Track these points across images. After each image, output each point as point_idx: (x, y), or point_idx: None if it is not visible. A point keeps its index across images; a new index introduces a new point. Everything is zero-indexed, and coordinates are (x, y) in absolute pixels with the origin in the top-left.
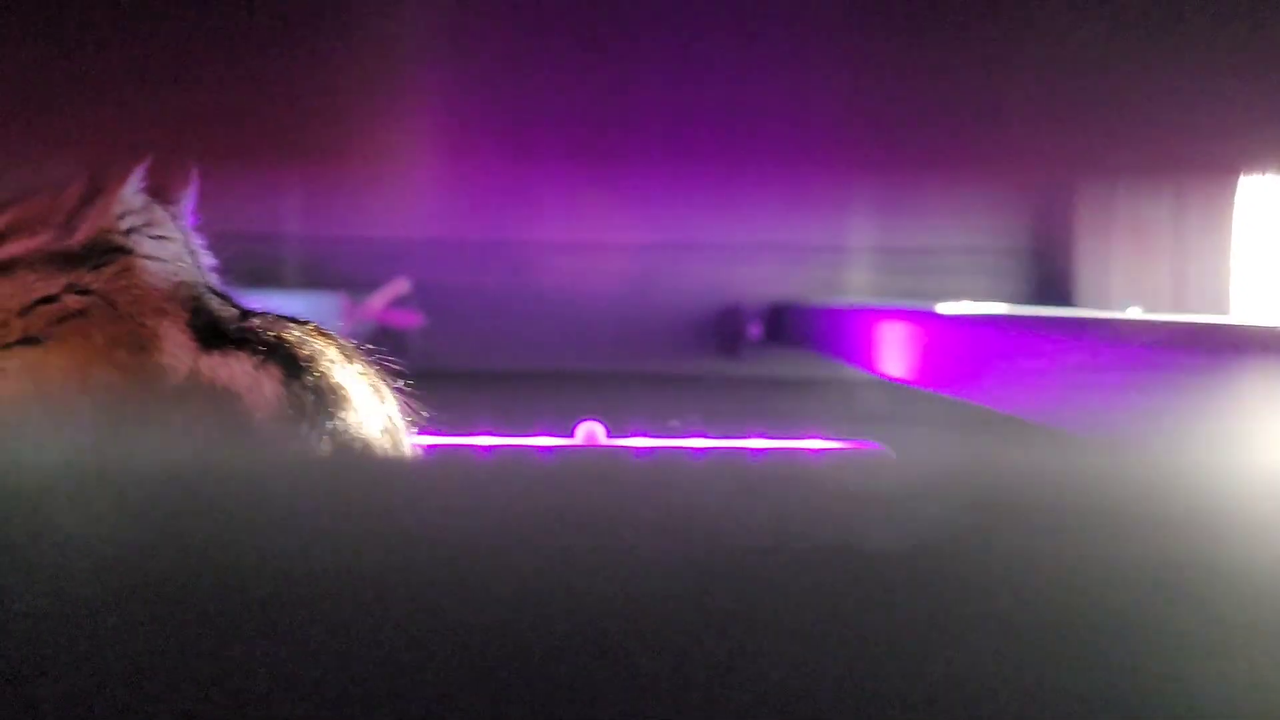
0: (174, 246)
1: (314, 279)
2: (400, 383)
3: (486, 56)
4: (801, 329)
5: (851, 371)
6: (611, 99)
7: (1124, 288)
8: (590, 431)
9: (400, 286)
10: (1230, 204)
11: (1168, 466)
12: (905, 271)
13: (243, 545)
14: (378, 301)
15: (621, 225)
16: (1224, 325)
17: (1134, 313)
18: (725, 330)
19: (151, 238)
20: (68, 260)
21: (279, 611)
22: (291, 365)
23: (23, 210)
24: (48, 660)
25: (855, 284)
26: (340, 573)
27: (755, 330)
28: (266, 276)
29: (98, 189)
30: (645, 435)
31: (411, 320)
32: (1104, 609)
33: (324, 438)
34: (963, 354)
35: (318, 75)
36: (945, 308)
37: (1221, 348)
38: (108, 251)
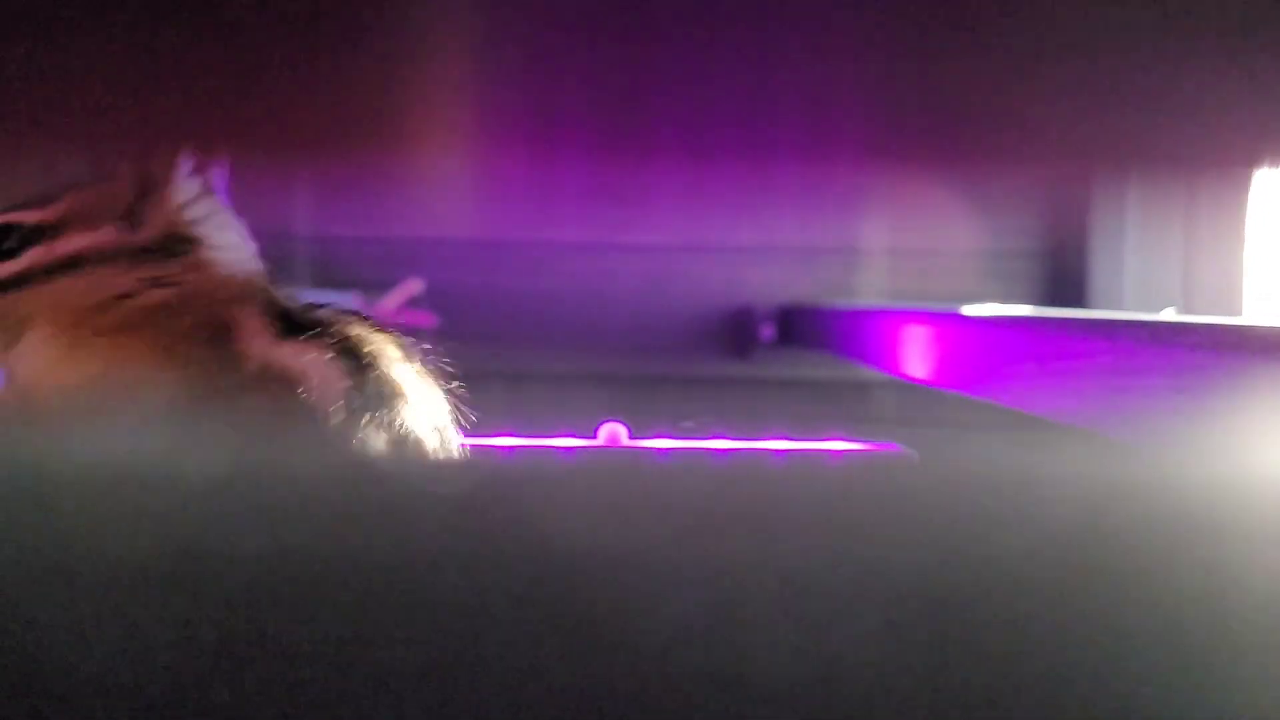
0: (233, 235)
1: (327, 278)
2: (451, 383)
3: (501, 56)
4: (817, 330)
5: (865, 373)
6: (626, 100)
7: (1137, 289)
8: (613, 433)
9: (413, 287)
10: (1243, 204)
11: (1208, 472)
12: (916, 273)
13: (305, 540)
14: (390, 302)
15: (632, 226)
16: (1268, 328)
17: (1169, 314)
18: (737, 332)
19: (215, 228)
20: (139, 254)
21: (341, 602)
22: (358, 360)
23: (75, 202)
24: (139, 645)
25: (866, 285)
26: (394, 568)
27: (768, 332)
28: (279, 275)
29: (153, 180)
30: (666, 437)
31: (424, 321)
32: (1137, 619)
33: (385, 435)
34: (994, 356)
35: (330, 73)
36: (971, 309)
37: (1267, 351)
38: (179, 242)
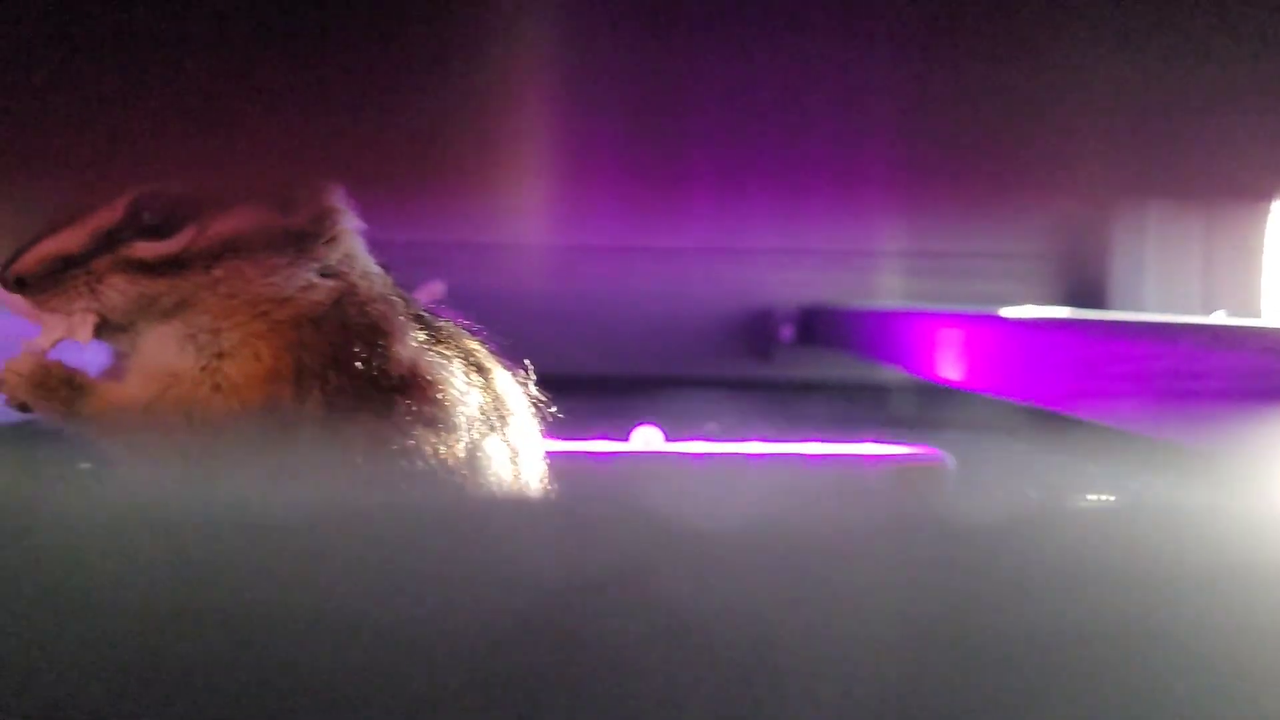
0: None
1: None
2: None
3: (534, 62)
4: (841, 332)
5: (886, 375)
6: (655, 106)
7: (1156, 293)
8: (647, 437)
9: (435, 290)
10: (1264, 212)
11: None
12: (934, 275)
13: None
14: None
15: (651, 230)
16: None
17: (1220, 318)
18: (757, 333)
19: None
20: (295, 238)
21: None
22: (481, 373)
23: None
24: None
25: (884, 287)
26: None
27: (787, 333)
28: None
29: (294, 178)
30: (701, 440)
31: None
32: (1185, 628)
33: (505, 449)
34: (1042, 359)
35: (354, 76)
36: (1010, 311)
37: None
38: (330, 227)
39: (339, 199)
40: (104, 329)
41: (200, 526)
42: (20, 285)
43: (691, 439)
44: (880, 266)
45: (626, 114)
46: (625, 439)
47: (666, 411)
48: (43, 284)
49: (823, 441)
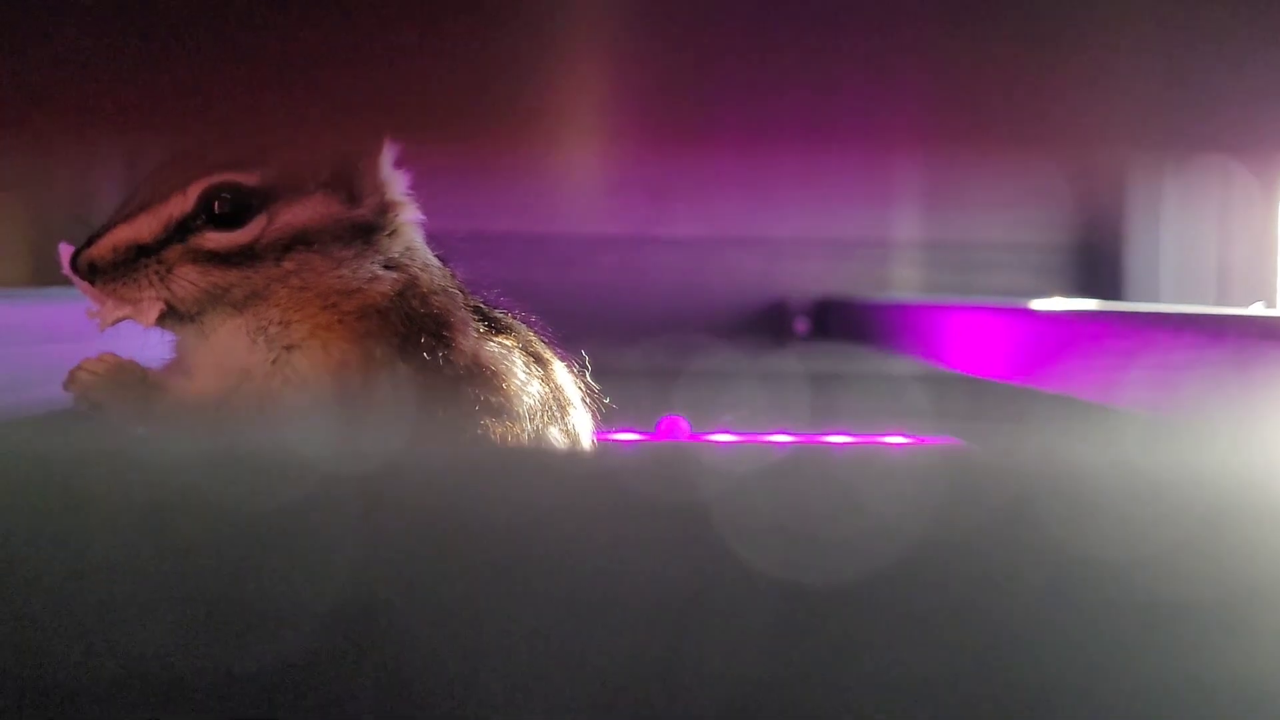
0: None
1: None
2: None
3: (551, 51)
4: (861, 323)
5: (902, 366)
6: (672, 95)
7: (1172, 282)
8: (674, 426)
9: None
10: (1277, 199)
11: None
12: (950, 266)
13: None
14: None
15: (664, 220)
16: None
17: (1258, 309)
18: (772, 324)
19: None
20: (360, 229)
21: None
22: (540, 364)
23: (281, 165)
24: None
25: (900, 278)
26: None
27: (802, 324)
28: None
29: (354, 157)
30: (726, 431)
31: None
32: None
33: (563, 437)
34: (1079, 350)
35: (359, 62)
36: (1041, 303)
37: None
38: (393, 219)
39: (402, 190)
40: (168, 317)
41: (261, 514)
42: (92, 271)
43: (716, 431)
44: (897, 258)
45: (645, 101)
46: (652, 429)
47: (681, 401)
48: (114, 271)
49: (844, 432)
